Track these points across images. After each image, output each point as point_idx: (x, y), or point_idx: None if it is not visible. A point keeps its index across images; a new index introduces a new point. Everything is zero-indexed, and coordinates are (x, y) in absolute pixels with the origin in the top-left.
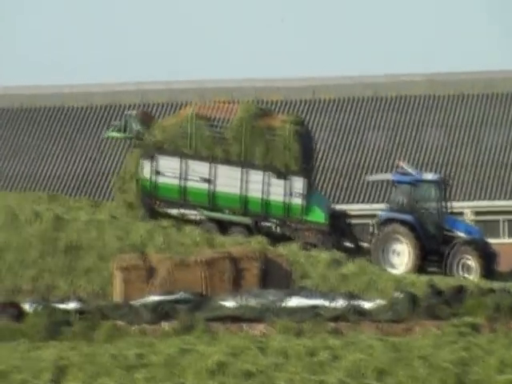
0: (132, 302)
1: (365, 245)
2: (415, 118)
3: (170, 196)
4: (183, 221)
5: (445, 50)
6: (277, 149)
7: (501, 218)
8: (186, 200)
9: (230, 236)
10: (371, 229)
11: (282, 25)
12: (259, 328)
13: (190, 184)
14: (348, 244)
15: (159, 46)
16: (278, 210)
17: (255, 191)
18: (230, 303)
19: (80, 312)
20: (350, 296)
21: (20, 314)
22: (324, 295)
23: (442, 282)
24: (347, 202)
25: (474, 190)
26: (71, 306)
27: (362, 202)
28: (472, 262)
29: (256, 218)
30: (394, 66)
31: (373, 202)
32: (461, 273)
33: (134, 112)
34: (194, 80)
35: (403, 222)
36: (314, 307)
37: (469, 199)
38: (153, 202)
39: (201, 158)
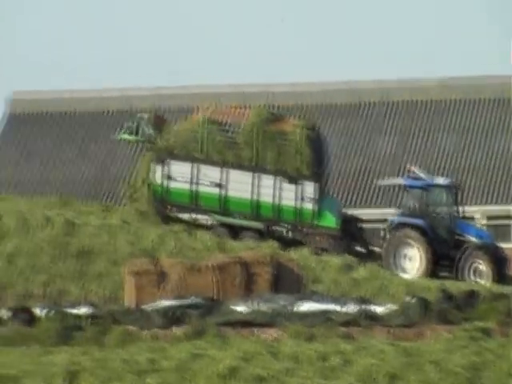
0: (143, 307)
1: (376, 249)
2: (427, 122)
3: (182, 201)
4: (194, 225)
5: (456, 54)
6: (288, 153)
7: None
8: (198, 205)
9: (242, 241)
10: (382, 233)
11: (296, 29)
12: (270, 333)
13: (201, 189)
14: (359, 249)
15: (164, 48)
16: (289, 215)
17: (267, 196)
18: (241, 308)
19: (91, 317)
20: (362, 301)
21: (31, 319)
22: (335, 300)
23: (454, 286)
24: (358, 207)
25: (486, 194)
26: (82, 310)
27: (373, 206)
28: (483, 266)
29: (267, 223)
30: (406, 71)
31: (384, 206)
32: (472, 277)
33: (147, 115)
34: (206, 85)
35: (415, 227)
36: (326, 312)
37: (480, 204)
38: (164, 206)
39: (212, 163)
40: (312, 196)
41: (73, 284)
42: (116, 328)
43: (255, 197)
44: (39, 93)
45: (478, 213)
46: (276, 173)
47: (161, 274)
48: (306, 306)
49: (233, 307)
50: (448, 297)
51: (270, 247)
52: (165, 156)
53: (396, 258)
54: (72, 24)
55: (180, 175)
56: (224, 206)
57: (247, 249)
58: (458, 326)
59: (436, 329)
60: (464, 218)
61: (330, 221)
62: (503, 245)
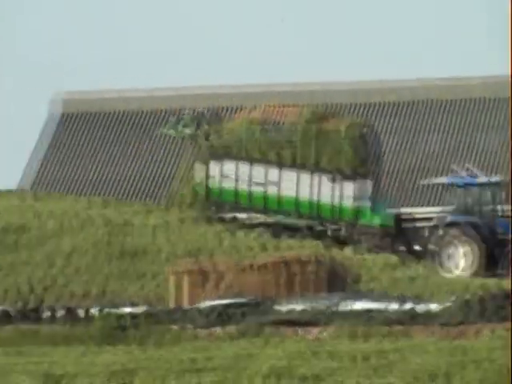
0: (187, 307)
1: (421, 248)
2: (471, 120)
3: (227, 200)
4: (242, 225)
5: (500, 52)
6: (341, 152)
7: None
8: (245, 204)
9: (289, 240)
10: (428, 232)
11: (296, 29)
12: (314, 332)
13: (247, 188)
14: (404, 247)
15: (163, 48)
16: (338, 214)
17: (315, 195)
18: (285, 307)
19: (139, 316)
20: (409, 299)
21: (76, 319)
22: (382, 298)
23: (499, 284)
24: (404, 205)
25: None
26: (127, 310)
27: (419, 205)
28: None
29: (315, 222)
30: (451, 69)
31: (430, 205)
32: None
33: (203, 112)
34: (256, 84)
35: (461, 225)
36: (370, 311)
37: None
38: (211, 206)
39: (259, 162)
40: (363, 194)
41: (117, 284)
42: (163, 327)
43: (305, 195)
44: (89, 93)
45: None
46: (324, 171)
47: (205, 273)
48: (354, 305)
49: (277, 307)
50: (500, 295)
51: (318, 246)
52: (214, 155)
53: (443, 256)
54: (72, 24)
55: (228, 174)
56: (269, 204)
57: (297, 248)
58: (503, 324)
59: (480, 327)
60: (507, 216)
61: (377, 219)
62: None
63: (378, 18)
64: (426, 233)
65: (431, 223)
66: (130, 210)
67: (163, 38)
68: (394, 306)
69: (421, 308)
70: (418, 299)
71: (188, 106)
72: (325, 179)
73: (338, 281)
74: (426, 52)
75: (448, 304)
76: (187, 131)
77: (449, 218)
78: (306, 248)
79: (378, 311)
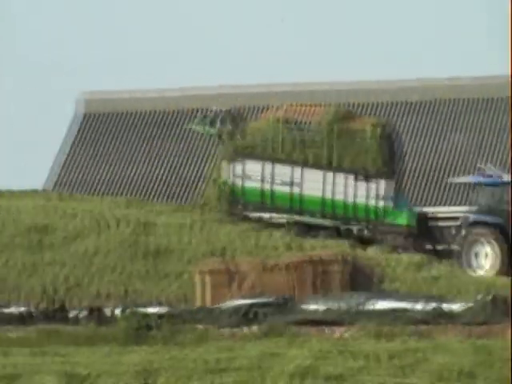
0: (215, 306)
1: (448, 247)
2: (497, 119)
3: (254, 199)
4: (267, 224)
5: None
6: (363, 152)
7: None
8: (270, 203)
9: (314, 239)
10: (454, 231)
11: (296, 29)
12: (342, 331)
13: (273, 187)
14: (431, 246)
15: (163, 48)
16: (362, 213)
17: (339, 194)
18: (312, 306)
19: (163, 316)
20: (433, 298)
21: (104, 319)
22: (407, 298)
23: None
24: (430, 205)
25: None
26: (154, 310)
27: (446, 204)
28: None
29: (340, 221)
30: (478, 68)
31: (456, 204)
32: None
33: (229, 110)
34: (279, 83)
35: (488, 225)
36: (398, 310)
37: None
38: (237, 205)
39: (285, 162)
40: (385, 194)
41: (145, 284)
42: (188, 327)
43: (329, 195)
44: (112, 93)
45: None
46: (349, 171)
47: (232, 273)
48: (378, 305)
49: (304, 306)
50: None
51: (342, 246)
52: (237, 154)
53: (469, 255)
54: (72, 24)
55: (253, 174)
56: (296, 204)
57: (320, 247)
58: None
59: (507, 327)
60: None
61: (403, 219)
62: None
63: (396, 16)
64: (450, 232)
65: (455, 223)
66: (154, 209)
67: (162, 38)
68: (418, 306)
69: (445, 307)
70: (441, 299)
71: (209, 106)
72: (349, 179)
73: (362, 280)
74: (449, 51)
75: (472, 303)
76: (214, 129)
77: (472, 218)
78: (329, 247)
79: (403, 311)
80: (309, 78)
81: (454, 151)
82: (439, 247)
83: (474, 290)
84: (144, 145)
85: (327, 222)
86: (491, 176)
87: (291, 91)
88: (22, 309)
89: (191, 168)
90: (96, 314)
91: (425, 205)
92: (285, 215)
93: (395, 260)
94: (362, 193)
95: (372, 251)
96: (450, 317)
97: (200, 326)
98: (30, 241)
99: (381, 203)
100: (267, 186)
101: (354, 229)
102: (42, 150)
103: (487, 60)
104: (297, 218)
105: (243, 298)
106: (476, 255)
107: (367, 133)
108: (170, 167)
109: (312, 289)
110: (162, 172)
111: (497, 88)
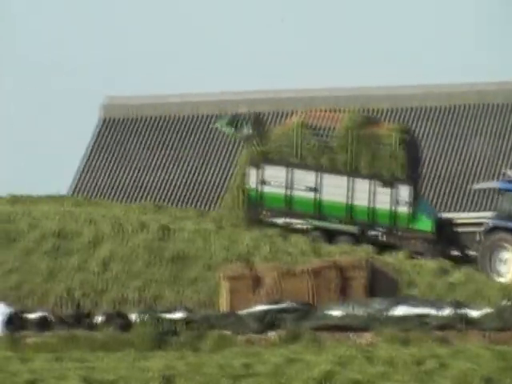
0: (238, 312)
1: (472, 253)
2: None
3: (276, 205)
4: (289, 230)
5: None
6: (383, 157)
7: None
8: (292, 209)
9: (337, 245)
10: (478, 237)
11: (296, 29)
12: (366, 337)
13: (296, 193)
14: (454, 252)
15: (162, 48)
16: (384, 219)
17: (361, 200)
18: (336, 312)
19: (186, 322)
20: (457, 304)
21: (127, 324)
22: (430, 304)
23: None
24: (453, 210)
25: None
26: (178, 315)
27: (469, 210)
28: None
29: (362, 227)
30: (499, 73)
31: (479, 210)
32: None
33: (254, 114)
34: (300, 89)
35: (508, 230)
36: (421, 316)
37: None
38: (259, 211)
39: (307, 167)
40: (407, 199)
41: (168, 289)
42: (211, 333)
43: (350, 201)
44: (133, 98)
45: None
46: (371, 176)
47: (256, 278)
48: (401, 310)
49: (328, 312)
50: None
51: (364, 251)
52: (260, 160)
53: (492, 261)
54: (72, 24)
55: (275, 179)
56: (319, 210)
57: (342, 253)
58: None
59: None
60: None
61: (425, 224)
62: None
63: (410, 17)
64: (473, 238)
65: (478, 228)
66: (175, 215)
67: (161, 38)
68: (440, 312)
69: (465, 313)
70: (462, 304)
71: (227, 111)
72: (370, 184)
73: (382, 286)
74: (469, 56)
75: (492, 309)
76: (239, 133)
77: (492, 223)
78: (350, 253)
79: (424, 316)
80: (325, 83)
81: (478, 157)
82: (461, 253)
83: (495, 295)
84: (163, 150)
85: (349, 228)
86: None
87: (330, 96)
88: (42, 314)
89: (210, 173)
90: (117, 319)
91: (448, 211)
92: (307, 221)
93: (416, 266)
94: (383, 198)
95: (394, 257)
96: (471, 322)
97: (223, 332)
98: (49, 246)
99: (401, 209)
100: (288, 192)
101: (375, 234)
102: (62, 155)
103: (508, 65)
104: (318, 223)
105: (265, 303)
106: (497, 261)
107: (388, 138)
108: (189, 172)
109: (335, 294)
110: (183, 177)
111: None
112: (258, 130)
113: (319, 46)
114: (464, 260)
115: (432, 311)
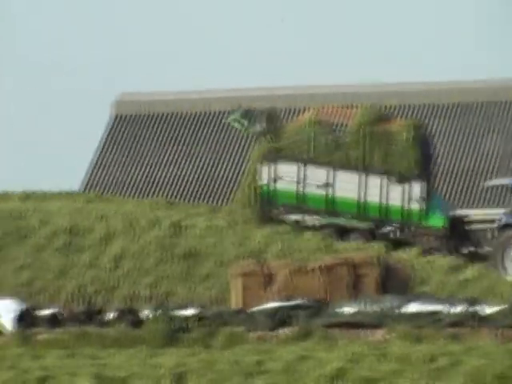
0: (250, 309)
1: (484, 250)
2: None
3: (289, 201)
4: (302, 227)
5: None
6: (396, 153)
7: None
8: (304, 206)
9: (349, 241)
10: (490, 234)
11: (296, 29)
12: (378, 334)
13: (308, 189)
14: (467, 249)
15: (162, 49)
16: (397, 215)
17: (374, 196)
18: (348, 309)
19: (198, 319)
20: (470, 301)
21: (138, 321)
22: (443, 301)
23: None
24: (466, 207)
25: None
26: (189, 312)
27: (481, 206)
28: None
29: (375, 223)
30: (503, 71)
31: (492, 206)
32: None
33: (262, 110)
34: (312, 85)
35: None
36: (434, 313)
37: None
38: (271, 207)
39: (320, 164)
40: (420, 196)
41: (179, 286)
42: (223, 330)
43: (362, 197)
44: (145, 95)
45: None
46: (383, 173)
47: (268, 275)
48: (414, 307)
49: (340, 309)
50: None
51: (377, 248)
52: (272, 156)
53: (504, 258)
54: (72, 24)
55: (287, 176)
56: (331, 206)
57: (355, 250)
58: None
59: None
60: None
61: (439, 221)
62: None
63: (418, 15)
64: (486, 235)
65: (491, 225)
66: (186, 211)
67: (161, 38)
68: (452, 309)
69: (478, 310)
70: (475, 301)
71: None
72: (383, 180)
73: (401, 282)
74: (481, 53)
75: (505, 306)
76: (253, 128)
77: (504, 220)
78: (362, 250)
79: (436, 313)
80: (336, 80)
81: (490, 154)
82: (475, 250)
83: (508, 292)
84: (175, 146)
85: (361, 224)
86: None
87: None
88: (54, 311)
89: (222, 169)
90: (129, 316)
91: (461, 207)
92: (319, 217)
93: (428, 262)
94: (396, 194)
95: (406, 254)
96: (484, 319)
97: (235, 329)
98: (61, 243)
99: (415, 205)
100: (301, 188)
101: (387, 231)
102: (74, 152)
103: None
104: (331, 220)
105: (277, 300)
106: (508, 258)
107: (401, 134)
108: (201, 168)
109: (347, 291)
110: (195, 173)
111: None
112: (271, 125)
113: (327, 45)
114: (476, 257)
115: (445, 308)
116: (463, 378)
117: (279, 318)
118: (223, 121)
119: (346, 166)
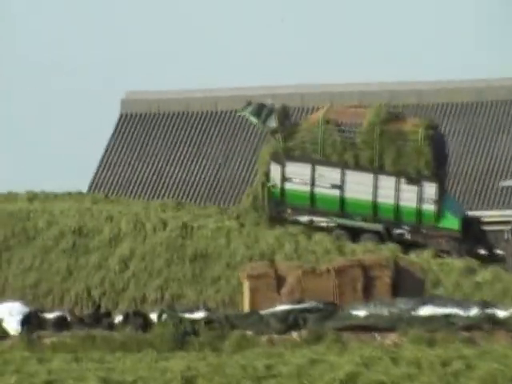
0: (261, 311)
1: (499, 252)
2: None
3: (299, 203)
4: (313, 228)
5: None
6: (408, 154)
7: None
8: (316, 207)
9: (361, 243)
10: (505, 236)
11: (296, 29)
12: (391, 337)
13: (319, 190)
14: (482, 251)
15: (161, 49)
16: (409, 217)
17: (386, 197)
18: (360, 312)
19: (208, 321)
20: (485, 304)
21: (147, 324)
22: (457, 304)
23: None
24: (481, 209)
25: None
26: (199, 315)
27: (496, 208)
28: None
29: (387, 225)
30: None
31: (507, 208)
32: None
33: (275, 106)
34: (324, 84)
35: None
36: (447, 316)
37: None
38: (281, 208)
39: (331, 164)
40: (433, 197)
41: (189, 288)
42: (233, 333)
43: (374, 198)
44: (153, 93)
45: None
46: (396, 173)
47: (278, 277)
48: (428, 310)
49: (352, 311)
50: None
51: (390, 250)
52: (283, 157)
53: None
54: (72, 24)
55: (298, 176)
56: (343, 207)
57: (367, 251)
58: None
59: None
60: None
61: (452, 222)
62: None
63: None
64: (501, 236)
65: (506, 227)
66: (195, 212)
67: (160, 38)
68: (466, 312)
69: (492, 313)
70: (489, 304)
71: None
72: (395, 181)
73: (415, 285)
74: (497, 52)
75: None
76: (265, 124)
77: None
78: (374, 251)
79: (450, 316)
80: (348, 79)
81: (506, 154)
82: (488, 252)
83: None
84: (183, 146)
85: (374, 226)
86: None
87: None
88: (60, 314)
89: (231, 170)
90: (137, 319)
91: (475, 209)
92: (331, 218)
93: (442, 265)
94: (408, 196)
95: (420, 256)
96: (498, 322)
97: (246, 332)
98: (68, 244)
99: (428, 206)
100: (312, 189)
101: (400, 233)
102: (81, 152)
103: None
104: (342, 221)
105: (288, 303)
106: None
107: (414, 134)
108: (210, 169)
109: (359, 294)
110: (206, 174)
111: None
112: (284, 123)
113: (334, 43)
114: (491, 259)
115: (459, 311)
116: (477, 383)
117: (290, 321)
118: (237, 113)
119: (358, 166)
